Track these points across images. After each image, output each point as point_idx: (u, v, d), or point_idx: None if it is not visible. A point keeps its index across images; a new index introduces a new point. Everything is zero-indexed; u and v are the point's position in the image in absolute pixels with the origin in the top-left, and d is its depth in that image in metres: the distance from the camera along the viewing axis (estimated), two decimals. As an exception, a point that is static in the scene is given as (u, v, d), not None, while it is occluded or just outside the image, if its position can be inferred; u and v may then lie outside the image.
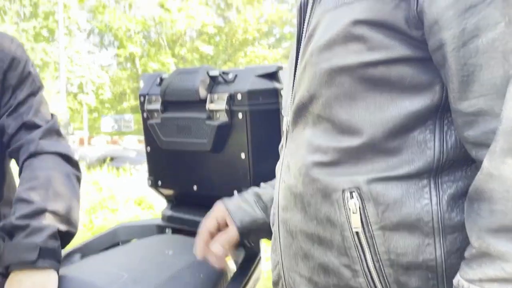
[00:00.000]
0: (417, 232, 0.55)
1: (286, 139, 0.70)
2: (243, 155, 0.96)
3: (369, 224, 0.57)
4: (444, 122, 0.56)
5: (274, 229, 0.72)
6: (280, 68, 0.97)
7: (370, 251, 0.57)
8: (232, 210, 0.78)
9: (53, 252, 0.82)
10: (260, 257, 0.89)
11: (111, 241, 1.10)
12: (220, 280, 0.97)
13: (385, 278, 0.57)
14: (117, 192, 5.55)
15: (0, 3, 17.07)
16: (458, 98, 0.52)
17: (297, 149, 0.66)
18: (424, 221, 0.55)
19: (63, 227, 0.86)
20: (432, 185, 0.56)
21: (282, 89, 0.95)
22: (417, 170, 0.56)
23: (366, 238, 0.57)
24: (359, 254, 0.58)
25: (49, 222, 0.84)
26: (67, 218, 0.88)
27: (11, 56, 0.97)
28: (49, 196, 0.87)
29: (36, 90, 1.00)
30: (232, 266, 0.96)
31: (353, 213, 0.57)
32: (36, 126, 0.96)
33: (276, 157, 0.98)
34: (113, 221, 4.89)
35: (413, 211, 0.55)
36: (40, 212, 0.84)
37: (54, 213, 0.85)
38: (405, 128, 0.56)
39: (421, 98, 0.55)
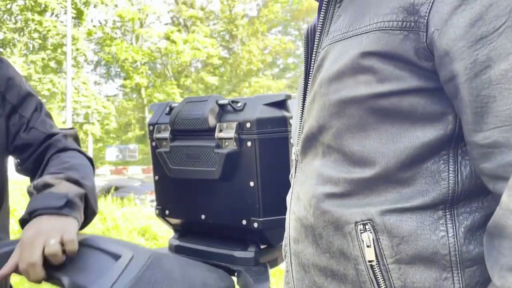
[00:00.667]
0: (434, 266, 0.54)
1: (296, 169, 0.70)
2: (252, 183, 0.96)
3: (384, 257, 0.55)
4: (458, 152, 0.55)
5: (286, 261, 0.71)
6: (288, 96, 0.98)
7: (386, 285, 0.55)
8: None
9: (78, 209, 0.84)
10: (269, 286, 0.87)
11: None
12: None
13: None
14: (121, 222, 5.51)
15: (9, 35, 17.51)
16: (472, 130, 0.51)
17: (307, 180, 0.65)
18: (441, 254, 0.53)
19: (90, 200, 0.89)
20: (448, 217, 0.54)
21: (291, 117, 0.95)
22: (432, 201, 0.54)
23: (381, 272, 0.55)
24: None
25: (79, 187, 0.87)
26: (93, 195, 0.91)
27: (6, 77, 1.00)
28: (79, 173, 0.91)
29: (39, 105, 1.05)
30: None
31: (367, 246, 0.56)
32: (57, 133, 1.03)
33: (286, 185, 0.97)
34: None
35: (429, 243, 0.54)
36: (71, 179, 0.88)
37: (83, 185, 0.89)
38: (418, 158, 0.55)
39: (434, 129, 0.54)
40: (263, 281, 0.89)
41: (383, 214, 0.55)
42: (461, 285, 0.53)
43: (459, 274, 0.53)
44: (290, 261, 0.68)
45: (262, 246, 1.01)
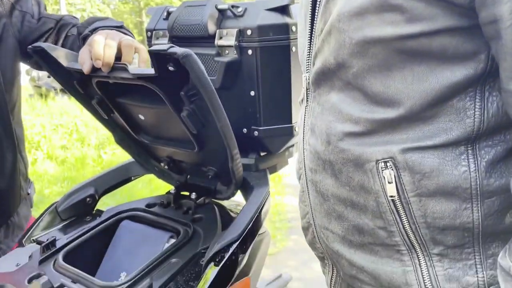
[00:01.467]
0: (454, 198, 0.55)
1: (308, 96, 0.68)
2: (252, 93, 0.96)
3: (405, 192, 0.56)
4: (485, 89, 0.52)
5: (301, 183, 0.72)
6: (292, 1, 0.94)
7: (406, 215, 0.56)
8: None
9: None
10: (269, 192, 0.92)
11: (123, 176, 1.13)
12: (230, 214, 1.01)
13: (421, 237, 0.57)
14: (125, 129, 5.60)
15: None
16: (511, 78, 0.48)
17: (323, 113, 0.63)
18: (462, 188, 0.54)
19: None
20: (470, 152, 0.54)
21: (293, 24, 0.92)
22: (455, 139, 0.53)
23: (402, 204, 0.56)
24: (395, 218, 0.57)
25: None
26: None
27: None
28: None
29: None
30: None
31: (388, 182, 0.56)
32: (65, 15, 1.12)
33: (287, 95, 0.97)
34: (121, 156, 4.98)
35: (451, 179, 0.54)
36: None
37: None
38: (444, 97, 0.53)
39: (464, 68, 0.51)
40: (263, 185, 0.93)
41: (404, 152, 0.55)
42: (479, 214, 0.54)
43: (478, 205, 0.54)
44: (307, 185, 0.69)
45: (262, 154, 1.04)
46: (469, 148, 0.54)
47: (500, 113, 0.52)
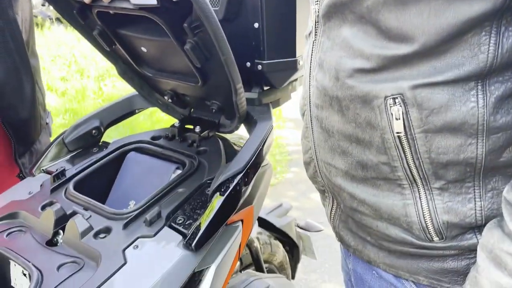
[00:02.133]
0: (460, 134, 0.55)
1: (316, 30, 0.66)
2: (256, 25, 0.93)
3: (412, 128, 0.56)
4: (502, 23, 0.50)
5: (305, 119, 0.72)
6: None
7: (411, 151, 0.57)
8: None
9: None
10: (272, 126, 0.93)
11: (127, 109, 1.14)
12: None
13: (423, 172, 0.58)
14: (124, 60, 5.51)
15: None
16: None
17: (333, 48, 0.62)
18: (469, 124, 0.54)
19: None
20: (480, 88, 0.53)
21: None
22: (466, 74, 0.53)
23: (408, 140, 0.57)
24: (399, 154, 0.58)
25: None
26: None
27: None
28: None
29: None
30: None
31: (396, 119, 0.56)
32: None
33: (291, 28, 0.95)
34: (122, 89, 4.95)
35: (459, 115, 0.54)
36: None
37: None
38: (459, 32, 0.51)
39: (482, 1, 0.49)
40: (266, 119, 0.94)
41: (414, 88, 0.54)
42: (484, 149, 0.55)
43: (483, 140, 0.55)
44: (311, 121, 0.70)
45: (265, 88, 1.04)
46: (479, 84, 0.53)
47: None
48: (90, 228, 0.78)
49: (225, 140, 1.06)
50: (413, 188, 0.59)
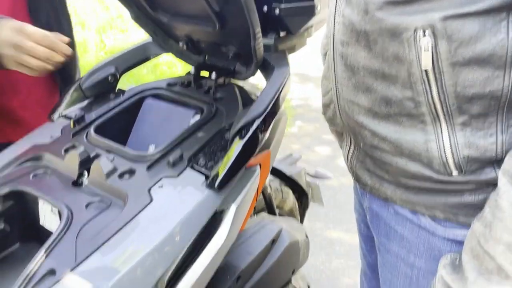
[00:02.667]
0: (488, 66, 0.55)
1: None
2: (274, -33, 0.91)
3: (440, 61, 0.56)
4: None
5: (327, 59, 0.72)
6: None
7: (437, 85, 0.57)
8: None
9: None
10: (289, 73, 0.93)
11: (141, 55, 1.13)
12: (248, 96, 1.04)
13: (448, 106, 0.58)
14: (125, 12, 5.38)
15: None
16: None
17: None
18: (498, 56, 0.54)
19: None
20: (511, 19, 0.52)
21: None
22: (500, 4, 0.51)
23: (435, 74, 0.57)
24: (425, 88, 0.58)
25: None
26: None
27: None
28: None
29: None
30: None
31: (424, 51, 0.55)
32: None
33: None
34: (124, 42, 4.87)
35: (488, 46, 0.53)
36: None
37: None
38: None
39: None
40: (284, 65, 0.94)
41: (445, 20, 0.53)
42: (510, 82, 0.55)
43: (511, 73, 0.55)
44: (334, 60, 0.69)
45: (281, 34, 1.03)
46: (510, 15, 0.52)
47: None
48: (115, 169, 0.80)
49: (241, 88, 1.07)
50: (436, 124, 0.61)
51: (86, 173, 0.83)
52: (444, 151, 0.61)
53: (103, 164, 0.80)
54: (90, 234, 0.68)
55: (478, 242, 0.56)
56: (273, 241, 1.08)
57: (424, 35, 0.55)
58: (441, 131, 0.61)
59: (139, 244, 0.68)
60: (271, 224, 1.10)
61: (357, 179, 0.81)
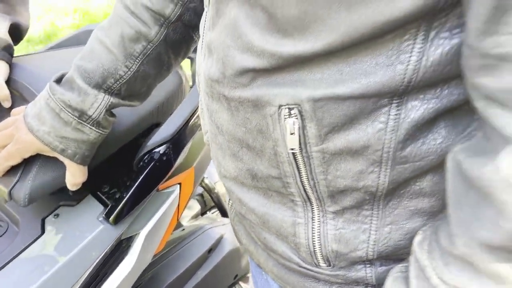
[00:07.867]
0: (361, 159, 0.45)
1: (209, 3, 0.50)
2: None
3: (308, 145, 0.46)
4: (432, 26, 0.37)
5: (200, 98, 0.61)
6: None
7: (306, 170, 0.48)
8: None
9: (7, 45, 0.80)
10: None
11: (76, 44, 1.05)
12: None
13: (318, 193, 0.49)
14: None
15: None
16: (482, 32, 0.33)
17: (221, 31, 0.47)
18: (373, 149, 0.44)
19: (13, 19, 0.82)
20: (394, 106, 0.41)
21: None
22: (379, 88, 0.40)
23: (303, 158, 0.47)
24: (293, 171, 0.48)
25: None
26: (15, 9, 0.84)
27: None
28: None
29: None
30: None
31: (290, 133, 0.45)
32: None
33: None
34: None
35: (362, 136, 0.43)
36: None
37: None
38: (376, 33, 0.38)
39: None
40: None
41: (315, 100, 0.43)
42: (386, 179, 0.45)
43: (387, 170, 0.45)
44: (202, 107, 0.59)
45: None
46: (394, 102, 0.41)
47: (443, 62, 0.39)
48: (14, 192, 0.76)
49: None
50: (307, 207, 0.51)
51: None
52: (312, 240, 0.52)
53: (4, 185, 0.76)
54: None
55: None
56: (210, 250, 1.04)
57: (290, 115, 0.44)
58: (312, 216, 0.51)
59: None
60: (211, 231, 1.06)
61: (235, 234, 0.72)
